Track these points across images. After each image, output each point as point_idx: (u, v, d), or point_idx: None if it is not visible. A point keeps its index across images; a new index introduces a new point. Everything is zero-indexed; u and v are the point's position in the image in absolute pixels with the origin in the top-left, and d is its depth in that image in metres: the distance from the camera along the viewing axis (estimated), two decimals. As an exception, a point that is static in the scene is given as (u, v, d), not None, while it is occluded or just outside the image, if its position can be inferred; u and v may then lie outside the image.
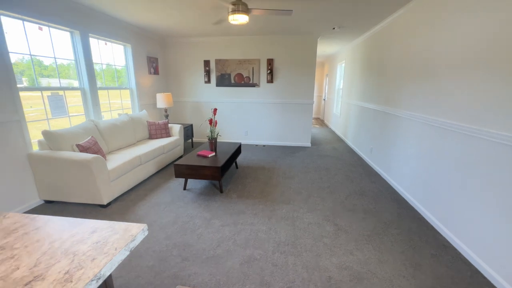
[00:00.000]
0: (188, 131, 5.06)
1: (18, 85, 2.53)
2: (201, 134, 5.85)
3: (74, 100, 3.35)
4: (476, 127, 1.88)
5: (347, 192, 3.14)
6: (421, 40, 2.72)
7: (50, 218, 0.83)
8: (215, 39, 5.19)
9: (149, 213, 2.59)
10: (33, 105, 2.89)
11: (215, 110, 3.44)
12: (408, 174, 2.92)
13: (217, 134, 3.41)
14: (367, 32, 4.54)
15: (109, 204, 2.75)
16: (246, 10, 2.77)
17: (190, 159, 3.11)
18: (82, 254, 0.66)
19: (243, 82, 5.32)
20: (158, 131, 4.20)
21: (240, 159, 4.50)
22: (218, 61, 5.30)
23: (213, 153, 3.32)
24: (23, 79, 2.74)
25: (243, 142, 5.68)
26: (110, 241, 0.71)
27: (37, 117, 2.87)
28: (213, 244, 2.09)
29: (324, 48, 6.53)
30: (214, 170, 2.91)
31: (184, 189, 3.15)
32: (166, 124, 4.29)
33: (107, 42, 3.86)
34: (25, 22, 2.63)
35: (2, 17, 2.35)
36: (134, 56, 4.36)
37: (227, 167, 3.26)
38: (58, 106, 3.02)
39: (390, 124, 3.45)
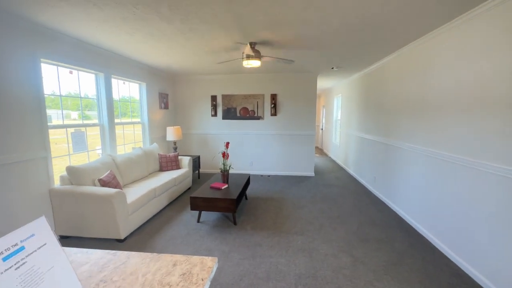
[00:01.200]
0: (196, 162, 5.19)
1: (48, 124, 2.71)
2: (207, 165, 5.97)
3: (91, 135, 3.51)
4: (478, 161, 2.09)
5: (357, 222, 3.23)
6: (416, 80, 3.06)
7: (130, 254, 0.94)
8: (222, 76, 5.59)
9: (167, 247, 2.61)
10: (56, 141, 3.04)
11: (227, 143, 3.64)
12: (414, 203, 3.06)
13: (229, 167, 3.56)
14: (363, 70, 5.00)
15: (125, 238, 2.77)
16: (259, 56, 3.12)
17: (205, 192, 3.21)
18: (176, 284, 0.77)
19: (248, 115, 5.62)
20: (168, 163, 4.33)
21: (248, 189, 4.59)
22: (224, 96, 5.65)
23: (226, 185, 3.43)
24: (52, 116, 2.93)
25: (248, 172, 5.80)
26: (194, 273, 0.82)
27: (61, 152, 2.99)
28: (236, 278, 2.12)
29: (321, 83, 7.03)
30: (229, 202, 3.00)
31: (198, 221, 3.20)
32: (176, 157, 4.44)
33: (125, 82, 4.16)
34: (59, 68, 2.90)
35: (42, 64, 2.61)
36: (147, 92, 4.66)
37: (240, 198, 3.35)
38: (79, 142, 3.17)
39: (392, 155, 3.67)
